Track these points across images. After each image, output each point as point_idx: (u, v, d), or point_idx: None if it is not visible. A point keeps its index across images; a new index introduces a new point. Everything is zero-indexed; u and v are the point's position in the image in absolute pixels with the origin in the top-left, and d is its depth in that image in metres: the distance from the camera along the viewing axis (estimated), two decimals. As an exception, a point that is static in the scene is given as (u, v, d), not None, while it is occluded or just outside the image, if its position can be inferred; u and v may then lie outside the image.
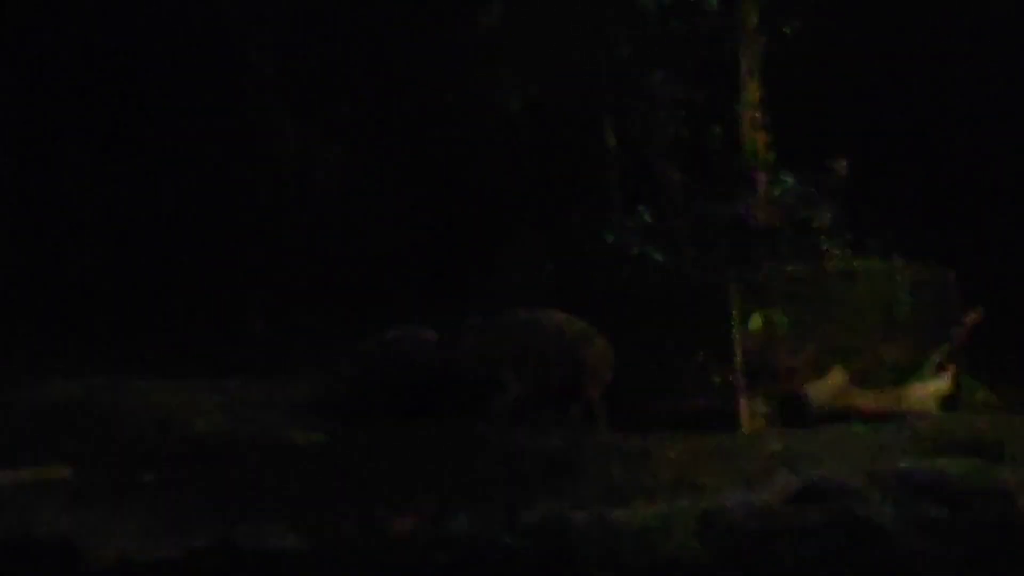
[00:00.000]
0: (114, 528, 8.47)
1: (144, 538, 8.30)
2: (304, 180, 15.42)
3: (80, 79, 15.70)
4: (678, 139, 13.31)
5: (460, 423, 10.16)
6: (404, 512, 8.48)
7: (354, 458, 9.58)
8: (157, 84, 15.47)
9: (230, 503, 8.84)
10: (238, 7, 15.60)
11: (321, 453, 9.76)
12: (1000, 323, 12.50)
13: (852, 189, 12.86)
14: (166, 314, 14.56)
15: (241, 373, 12.34)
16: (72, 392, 11.28)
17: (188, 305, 14.66)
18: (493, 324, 11.20)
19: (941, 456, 9.34)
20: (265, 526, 8.31)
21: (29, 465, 9.78)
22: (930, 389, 12.05)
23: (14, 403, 11.08)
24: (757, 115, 13.23)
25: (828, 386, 11.80)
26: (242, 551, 8.08)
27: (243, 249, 15.26)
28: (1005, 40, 14.66)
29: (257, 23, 15.69)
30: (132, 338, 13.79)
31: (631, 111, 13.45)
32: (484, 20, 13.56)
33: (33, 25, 15.61)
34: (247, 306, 14.81)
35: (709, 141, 13.11)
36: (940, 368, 12.21)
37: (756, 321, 11.92)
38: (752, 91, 13.25)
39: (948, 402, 12.06)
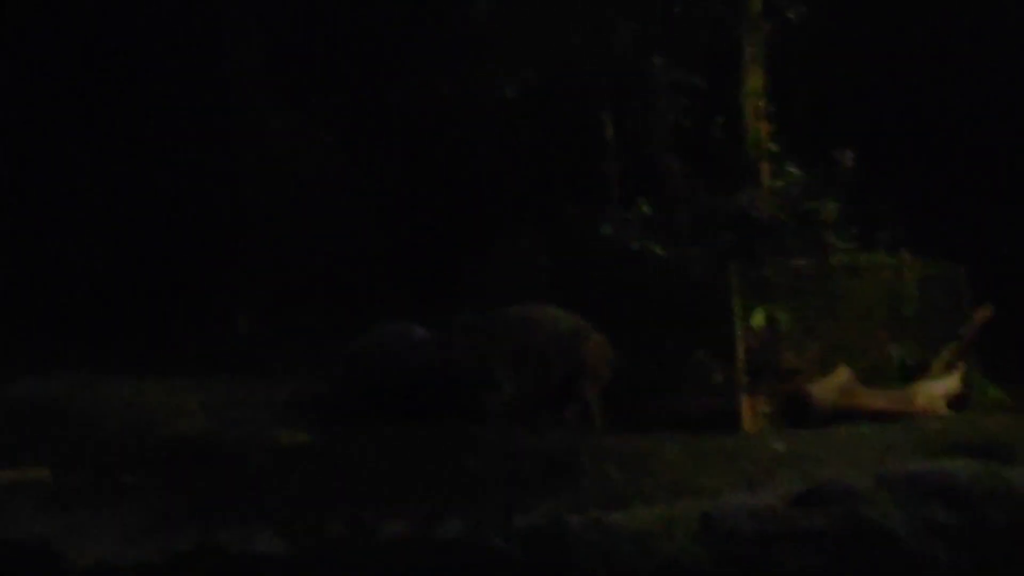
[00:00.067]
0: (94, 531, 8.34)
1: (125, 541, 8.17)
2: (293, 174, 15.34)
3: (64, 71, 15.64)
4: (679, 129, 13.18)
5: (453, 423, 10.05)
6: (394, 515, 8.30)
7: (342, 459, 9.48)
8: (143, 78, 15.41)
9: (214, 506, 8.71)
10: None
11: (308, 454, 9.67)
12: (1013, 320, 12.36)
13: (859, 181, 12.71)
14: (149, 312, 14.52)
15: (226, 372, 12.33)
16: (52, 391, 11.21)
17: (171, 303, 14.61)
18: (487, 321, 11.07)
19: (950, 458, 9.20)
20: (250, 529, 8.14)
21: (6, 466, 9.66)
22: (939, 388, 11.93)
23: (-8, 402, 10.98)
24: (761, 104, 13.12)
25: (833, 385, 11.68)
26: (226, 555, 7.93)
27: (229, 245, 15.25)
28: (1018, 30, 14.55)
29: (246, 14, 15.60)
30: (114, 336, 13.80)
31: (631, 99, 13.32)
32: (479, 6, 13.42)
33: (19, 15, 15.49)
34: (232, 303, 14.74)
35: (711, 131, 12.95)
36: (949, 367, 12.07)
37: (759, 318, 11.82)
38: (756, 79, 13.15)
39: (958, 402, 11.93)
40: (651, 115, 13.19)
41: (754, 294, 11.83)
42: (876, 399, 11.71)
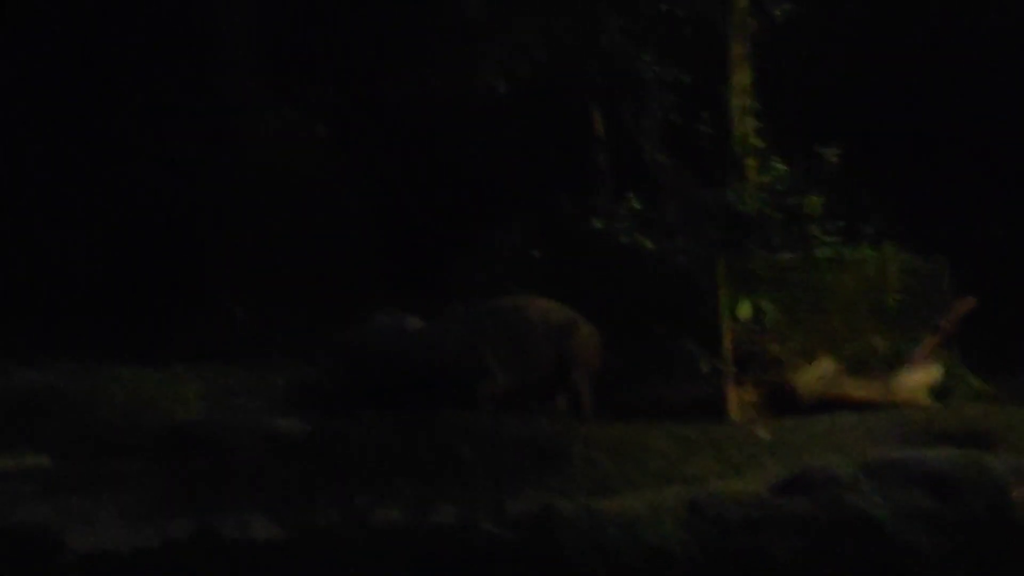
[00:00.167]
0: (92, 517, 8.36)
1: (122, 527, 8.19)
2: (287, 165, 15.32)
3: (48, 60, 15.55)
4: (668, 124, 13.22)
5: (444, 412, 10.06)
6: (387, 502, 8.38)
7: (336, 447, 9.49)
8: (136, 69, 15.35)
9: (210, 492, 8.75)
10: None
11: (303, 442, 9.66)
12: (996, 311, 12.46)
13: (844, 176, 12.79)
14: (144, 299, 14.45)
15: (221, 361, 12.26)
16: (49, 380, 11.17)
17: (166, 290, 14.57)
18: (477, 311, 11.09)
19: (932, 446, 9.31)
20: (246, 515, 8.19)
21: (5, 453, 9.67)
22: (921, 378, 12.02)
23: (-11, 390, 11.00)
24: (747, 100, 13.15)
25: (817, 375, 11.77)
26: (223, 540, 7.97)
27: (223, 233, 15.19)
28: (1000, 23, 14.60)
29: (239, 6, 15.59)
30: (109, 324, 13.70)
31: (620, 95, 13.36)
32: (471, 1, 13.43)
33: (4, 6, 15.44)
34: (227, 292, 14.71)
35: (698, 127, 13.01)
36: (932, 357, 12.16)
37: (745, 309, 11.88)
38: (742, 75, 13.18)
39: (940, 391, 12.01)
40: (640, 111, 13.25)
41: (740, 286, 11.91)
42: (860, 389, 11.80)
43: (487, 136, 14.81)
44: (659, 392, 11.33)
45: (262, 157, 15.38)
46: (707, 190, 12.81)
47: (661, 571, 7.73)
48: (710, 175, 12.94)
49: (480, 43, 13.41)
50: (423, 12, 14.31)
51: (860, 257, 12.44)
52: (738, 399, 11.42)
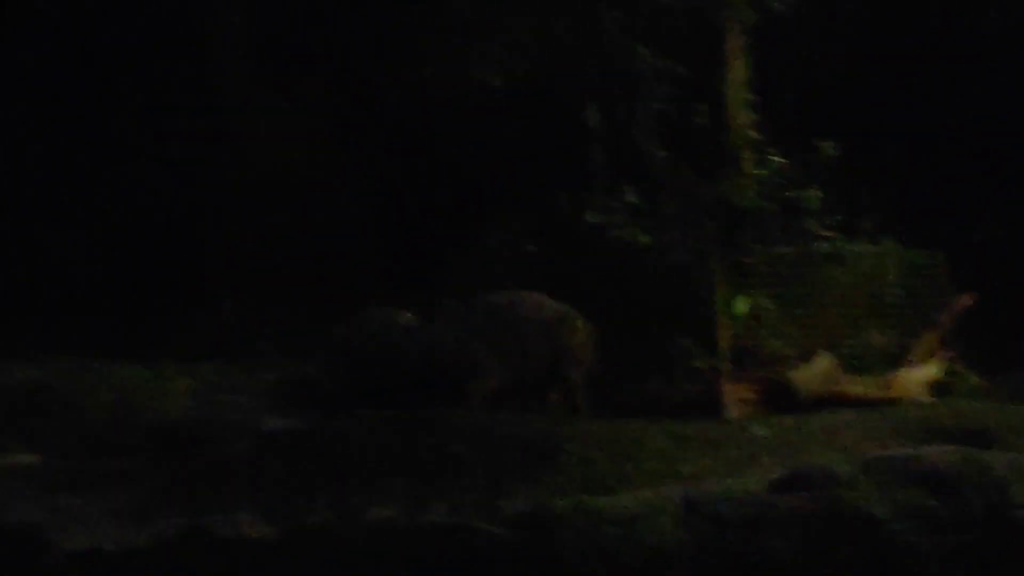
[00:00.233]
0: (83, 516, 8.37)
1: (112, 526, 8.18)
2: (279, 160, 15.30)
3: (47, 60, 15.53)
4: (664, 117, 13.18)
5: (438, 409, 10.02)
6: (380, 500, 8.35)
7: (328, 445, 9.44)
8: (128, 65, 15.32)
9: (201, 490, 8.74)
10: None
11: (294, 440, 9.62)
12: (996, 308, 12.43)
13: (843, 170, 12.74)
14: (135, 298, 14.44)
15: (211, 357, 12.26)
16: (39, 377, 11.16)
17: (156, 287, 14.55)
18: (471, 307, 11.04)
19: (931, 443, 9.26)
20: (237, 514, 8.14)
21: (-6, 451, 9.67)
22: (920, 375, 11.99)
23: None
24: (744, 94, 13.11)
25: (815, 372, 11.73)
26: (214, 539, 7.92)
27: (212, 228, 15.17)
28: (1000, 18, 14.58)
29: (233, 3, 15.57)
30: (100, 323, 13.68)
31: (616, 88, 13.31)
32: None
33: None
34: (218, 289, 14.69)
35: (695, 120, 12.96)
36: (930, 354, 12.13)
37: (741, 305, 11.85)
38: (739, 69, 13.13)
39: (940, 388, 11.98)
40: (636, 104, 13.20)
41: (737, 281, 11.88)
42: (857, 386, 11.77)
43: (483, 132, 14.77)
44: (655, 389, 11.31)
45: (258, 155, 15.36)
46: (704, 184, 12.75)
47: (658, 569, 7.68)
48: (706, 168, 12.89)
49: (475, 39, 13.37)
50: (418, 10, 14.26)
51: (859, 253, 12.42)
52: (735, 396, 11.37)
